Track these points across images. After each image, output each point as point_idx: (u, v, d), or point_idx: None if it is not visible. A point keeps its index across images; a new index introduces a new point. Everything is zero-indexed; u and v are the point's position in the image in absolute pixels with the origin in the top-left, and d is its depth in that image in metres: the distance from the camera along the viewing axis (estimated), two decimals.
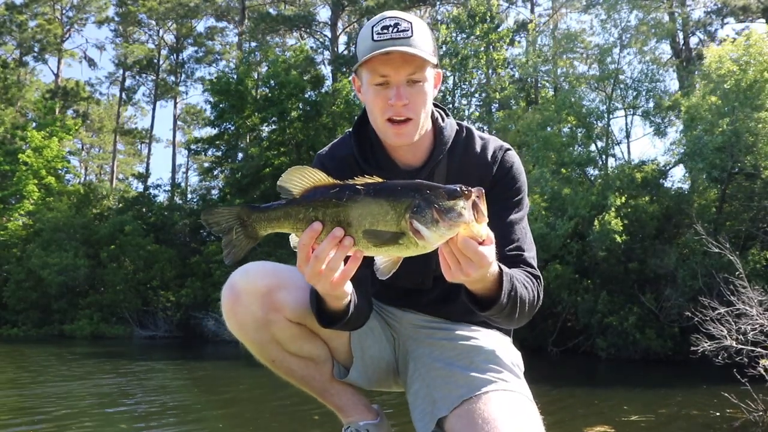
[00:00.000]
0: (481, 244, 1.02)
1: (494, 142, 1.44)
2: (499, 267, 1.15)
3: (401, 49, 1.26)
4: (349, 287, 1.20)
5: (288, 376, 1.45)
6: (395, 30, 1.27)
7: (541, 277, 1.34)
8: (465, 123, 1.49)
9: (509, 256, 1.32)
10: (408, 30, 1.27)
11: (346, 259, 1.07)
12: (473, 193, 0.99)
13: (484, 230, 1.02)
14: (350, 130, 1.48)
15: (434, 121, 1.43)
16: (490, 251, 1.05)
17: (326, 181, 1.04)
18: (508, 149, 1.44)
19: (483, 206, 1.01)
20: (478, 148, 1.42)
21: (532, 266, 1.34)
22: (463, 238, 1.00)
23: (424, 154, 1.41)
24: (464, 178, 1.36)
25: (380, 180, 1.05)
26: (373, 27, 1.29)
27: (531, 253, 1.36)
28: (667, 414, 6.29)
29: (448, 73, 17.20)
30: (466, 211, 0.98)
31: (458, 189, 0.99)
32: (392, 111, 1.30)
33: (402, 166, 1.41)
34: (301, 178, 1.04)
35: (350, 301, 1.25)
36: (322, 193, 1.03)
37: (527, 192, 1.45)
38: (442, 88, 17.32)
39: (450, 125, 1.44)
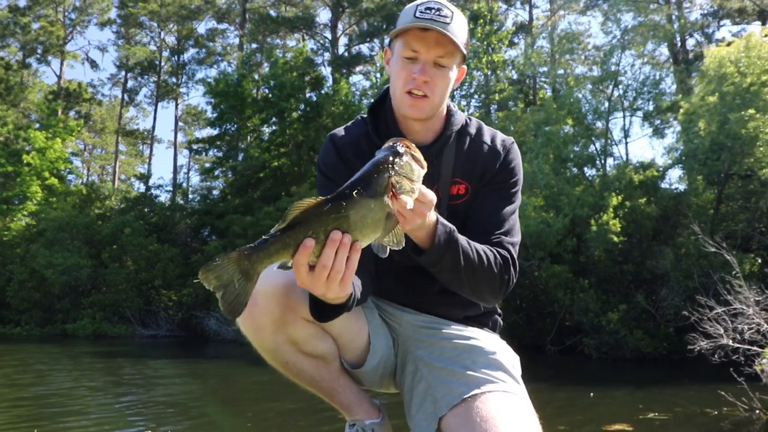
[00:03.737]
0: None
1: (502, 135, 1.53)
2: (437, 217, 1.24)
3: (438, 28, 1.33)
4: (356, 280, 1.23)
5: (298, 378, 1.44)
6: (438, 13, 1.35)
7: (511, 259, 1.37)
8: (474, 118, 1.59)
9: (492, 240, 1.38)
10: (449, 17, 1.35)
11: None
12: (406, 144, 1.10)
13: (424, 172, 1.13)
14: (363, 113, 1.57)
15: (447, 108, 1.50)
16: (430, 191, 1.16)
17: (311, 203, 1.04)
18: (513, 142, 1.52)
19: (417, 152, 1.11)
20: (487, 138, 1.50)
21: (505, 248, 1.38)
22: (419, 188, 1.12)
23: (435, 133, 1.47)
24: (472, 162, 1.46)
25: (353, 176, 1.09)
26: (417, 6, 1.37)
27: (511, 239, 1.41)
28: (684, 412, 6.35)
29: None
30: (417, 165, 1.09)
31: (403, 149, 1.08)
32: (413, 84, 1.37)
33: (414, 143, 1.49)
34: (291, 212, 1.05)
35: (352, 293, 1.26)
36: (314, 212, 1.04)
37: (521, 188, 1.54)
38: None
39: (459, 114, 1.52)
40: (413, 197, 1.09)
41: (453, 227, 1.28)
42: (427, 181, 1.36)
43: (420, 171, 1.10)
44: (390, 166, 1.06)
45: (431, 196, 1.15)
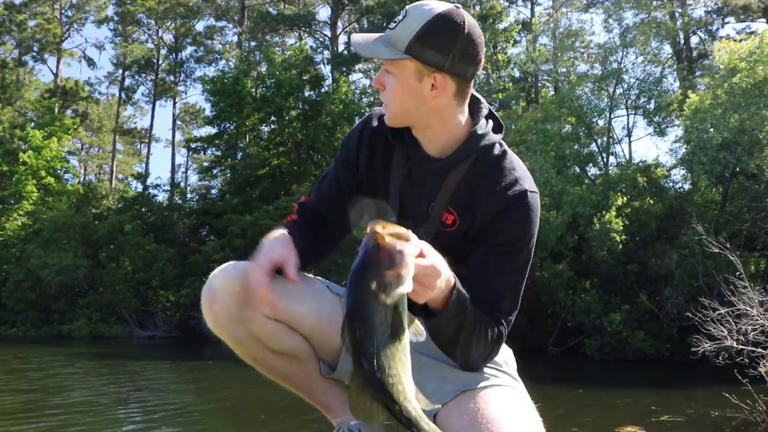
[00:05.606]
0: (420, 256, 1.02)
1: (523, 180, 1.29)
2: (455, 278, 1.14)
3: (359, 41, 1.27)
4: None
5: (272, 375, 1.44)
6: (393, 20, 1.26)
7: (503, 335, 1.27)
8: (508, 148, 1.36)
9: (490, 313, 1.25)
10: (397, 22, 1.23)
11: None
12: (377, 234, 0.97)
13: (414, 247, 1.00)
14: None
15: (473, 126, 1.32)
16: (435, 257, 1.05)
17: None
18: (534, 192, 1.28)
19: (394, 228, 0.99)
20: (504, 175, 1.29)
21: (501, 323, 1.26)
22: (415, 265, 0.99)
23: (446, 151, 1.31)
24: (470, 196, 1.29)
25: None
26: None
27: (507, 313, 1.28)
28: (690, 414, 6.32)
29: None
30: (400, 253, 0.97)
31: (378, 246, 0.96)
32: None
33: (425, 151, 1.34)
34: None
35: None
36: None
37: (534, 243, 1.30)
38: None
39: (489, 137, 1.32)
40: (407, 283, 0.97)
41: (467, 296, 1.18)
42: (427, 198, 1.32)
43: (403, 248, 0.96)
44: (369, 272, 0.96)
45: (435, 267, 1.04)
